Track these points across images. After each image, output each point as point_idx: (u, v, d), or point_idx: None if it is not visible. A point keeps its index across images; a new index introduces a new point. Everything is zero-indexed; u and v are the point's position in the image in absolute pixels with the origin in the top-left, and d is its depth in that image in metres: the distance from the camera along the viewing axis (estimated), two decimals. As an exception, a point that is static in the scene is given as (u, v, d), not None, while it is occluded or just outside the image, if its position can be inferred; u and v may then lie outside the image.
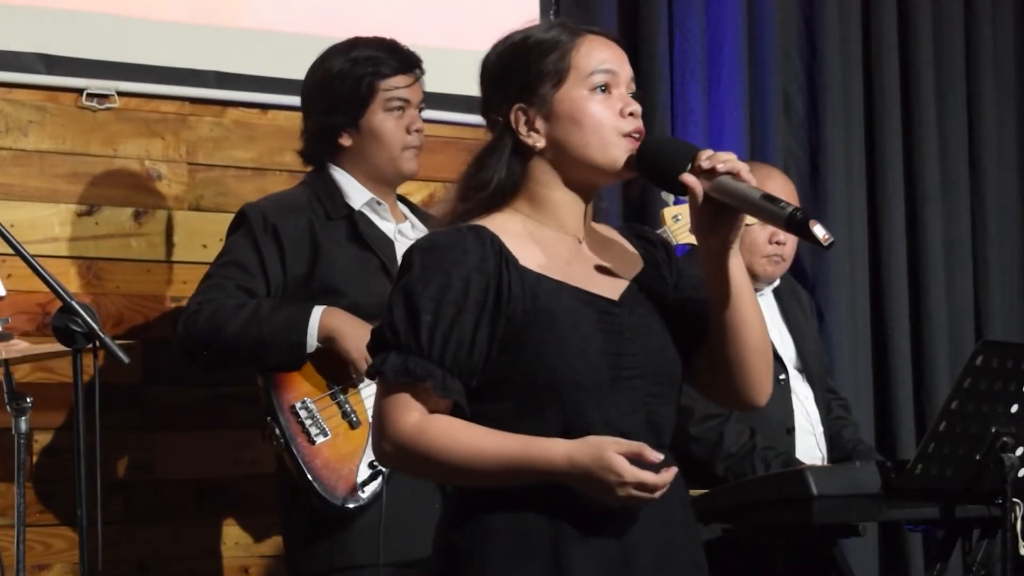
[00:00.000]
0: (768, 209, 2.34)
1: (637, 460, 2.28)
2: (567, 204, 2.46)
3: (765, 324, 2.51)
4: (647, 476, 2.28)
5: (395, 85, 3.67)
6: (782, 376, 4.09)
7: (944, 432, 3.46)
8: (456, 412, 2.37)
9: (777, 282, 4.26)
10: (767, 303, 4.22)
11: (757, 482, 3.69)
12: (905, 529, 5.00)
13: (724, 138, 4.90)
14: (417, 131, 3.69)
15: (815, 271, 5.05)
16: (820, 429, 4.15)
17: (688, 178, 2.38)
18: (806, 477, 3.46)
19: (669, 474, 2.31)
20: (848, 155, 5.19)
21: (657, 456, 2.29)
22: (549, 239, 2.44)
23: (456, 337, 2.33)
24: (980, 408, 3.47)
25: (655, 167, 2.43)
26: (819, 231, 2.31)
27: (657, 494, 2.30)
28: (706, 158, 2.38)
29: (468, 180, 2.46)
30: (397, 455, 2.36)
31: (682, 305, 2.51)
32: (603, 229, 2.55)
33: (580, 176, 2.45)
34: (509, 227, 2.42)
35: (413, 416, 2.34)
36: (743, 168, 2.37)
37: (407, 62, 3.69)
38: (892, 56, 5.31)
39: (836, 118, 5.15)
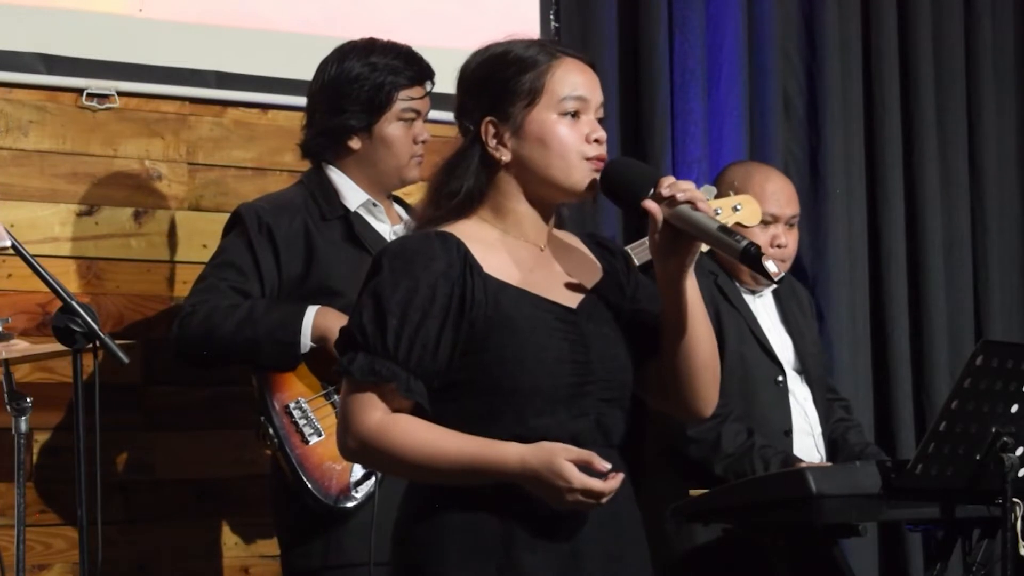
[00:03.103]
0: (724, 241, 2.46)
1: (586, 467, 2.36)
2: (529, 216, 2.57)
3: (715, 340, 2.61)
4: (595, 483, 2.37)
5: (412, 96, 3.68)
6: (780, 378, 4.08)
7: (944, 432, 3.46)
8: (418, 412, 2.46)
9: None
10: (767, 304, 4.21)
11: (757, 482, 3.69)
12: (905, 529, 5.00)
13: (724, 138, 4.90)
14: (423, 142, 3.71)
15: (815, 271, 5.05)
16: (819, 430, 4.14)
17: (649, 204, 2.48)
18: (806, 477, 3.46)
19: (616, 481, 2.39)
20: (848, 155, 5.18)
21: (605, 465, 2.38)
22: (512, 247, 2.54)
23: (421, 341, 2.43)
24: (980, 408, 3.47)
25: (618, 190, 2.53)
26: (770, 266, 2.45)
27: (604, 500, 2.38)
28: (666, 187, 2.47)
29: (439, 187, 2.56)
30: (360, 451, 2.47)
31: (637, 316, 2.61)
32: (566, 237, 2.65)
33: (542, 193, 2.55)
34: (475, 234, 2.51)
35: (377, 414, 2.44)
36: (700, 198, 2.47)
37: (424, 74, 3.70)
38: (892, 56, 5.31)
39: (836, 118, 5.15)
